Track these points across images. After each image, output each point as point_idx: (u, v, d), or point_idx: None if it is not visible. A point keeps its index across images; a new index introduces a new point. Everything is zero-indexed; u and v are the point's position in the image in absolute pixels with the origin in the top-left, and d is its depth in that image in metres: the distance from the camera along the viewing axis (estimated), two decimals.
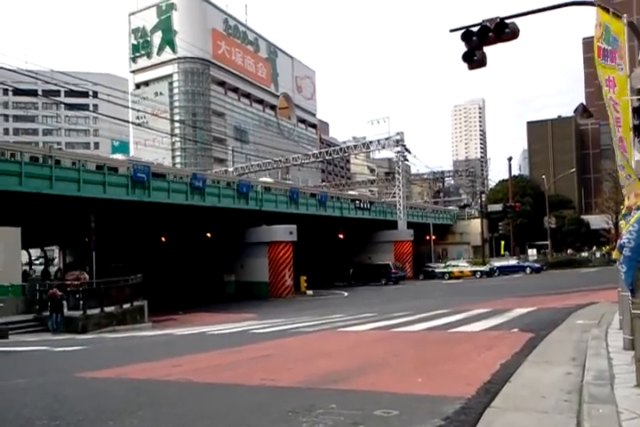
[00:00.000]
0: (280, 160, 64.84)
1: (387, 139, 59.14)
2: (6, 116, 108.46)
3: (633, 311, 5.11)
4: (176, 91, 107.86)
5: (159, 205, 33.13)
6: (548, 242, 60.41)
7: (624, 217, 7.89)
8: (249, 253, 39.96)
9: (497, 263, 49.23)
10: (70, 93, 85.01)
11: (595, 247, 65.21)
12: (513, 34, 10.46)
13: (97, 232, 28.59)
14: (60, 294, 21.38)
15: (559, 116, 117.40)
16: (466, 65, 11.01)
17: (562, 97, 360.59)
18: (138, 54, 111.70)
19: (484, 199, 64.22)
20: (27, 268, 44.16)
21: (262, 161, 66.81)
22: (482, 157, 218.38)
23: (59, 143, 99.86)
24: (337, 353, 9.52)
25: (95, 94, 77.71)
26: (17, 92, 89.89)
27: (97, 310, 21.82)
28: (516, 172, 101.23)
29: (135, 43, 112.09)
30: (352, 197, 53.43)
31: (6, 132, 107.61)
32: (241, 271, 40.95)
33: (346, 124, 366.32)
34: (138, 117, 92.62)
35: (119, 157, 39.81)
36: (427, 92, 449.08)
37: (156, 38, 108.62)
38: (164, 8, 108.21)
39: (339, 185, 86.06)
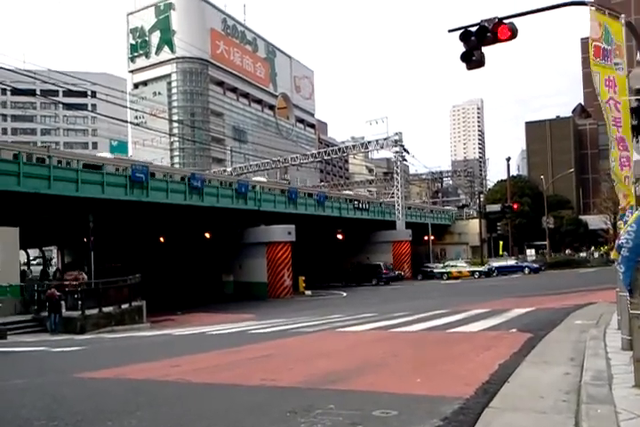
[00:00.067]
0: (278, 160, 64.81)
1: (385, 139, 59.16)
2: (4, 116, 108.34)
3: (631, 312, 5.12)
4: (174, 91, 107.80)
5: (157, 205, 33.11)
6: (546, 242, 60.46)
7: (622, 217, 7.91)
8: (247, 253, 39.94)
9: (495, 263, 49.26)
10: (68, 93, 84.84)
11: (593, 247, 65.29)
12: (511, 34, 10.46)
13: (95, 232, 28.57)
14: (58, 294, 21.36)
15: (557, 117, 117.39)
16: (464, 65, 11.02)
17: (560, 97, 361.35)
18: (136, 54, 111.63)
19: (482, 199, 64.25)
20: (25, 268, 44.08)
21: (261, 161, 66.78)
22: (480, 157, 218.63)
23: (57, 143, 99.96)
24: (336, 353, 9.52)
25: (93, 94, 77.52)
26: (15, 91, 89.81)
27: (95, 311, 21.80)
28: (514, 172, 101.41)
29: (133, 42, 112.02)
30: (347, 197, 53.39)
31: (4, 131, 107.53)
32: (239, 272, 40.93)
33: (344, 125, 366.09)
34: (136, 117, 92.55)
35: (106, 155, 39.33)
36: (425, 92, 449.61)
37: (155, 38, 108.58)
38: (163, 8, 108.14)
39: (337, 185, 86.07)
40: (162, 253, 44.87)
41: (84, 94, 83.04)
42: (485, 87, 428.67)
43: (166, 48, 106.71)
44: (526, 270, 46.32)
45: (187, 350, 11.62)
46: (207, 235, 42.43)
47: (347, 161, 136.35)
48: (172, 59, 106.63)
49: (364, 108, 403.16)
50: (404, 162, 60.99)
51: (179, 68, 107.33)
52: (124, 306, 23.34)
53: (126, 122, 78.10)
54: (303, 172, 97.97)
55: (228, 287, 41.45)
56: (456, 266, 49.26)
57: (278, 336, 13.23)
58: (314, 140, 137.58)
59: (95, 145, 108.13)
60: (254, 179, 49.11)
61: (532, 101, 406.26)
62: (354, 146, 65.09)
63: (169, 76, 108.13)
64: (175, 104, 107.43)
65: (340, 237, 52.91)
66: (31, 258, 54.53)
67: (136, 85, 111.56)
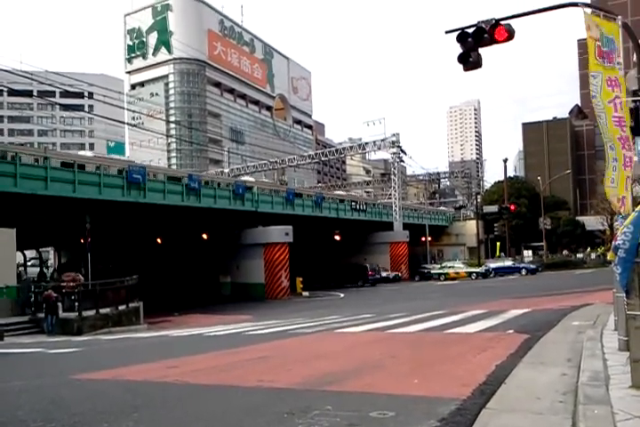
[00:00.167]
0: (276, 161, 64.86)
1: (382, 140, 59.23)
2: (1, 117, 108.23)
3: (628, 312, 5.13)
4: (172, 92, 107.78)
5: (155, 206, 33.07)
6: (543, 243, 60.51)
7: (618, 219, 7.93)
8: (245, 254, 39.92)
9: (492, 264, 49.27)
10: (65, 94, 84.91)
11: (589, 249, 65.33)
12: (508, 35, 10.48)
13: (92, 233, 28.52)
14: (55, 295, 21.33)
15: (554, 118, 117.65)
16: (461, 66, 11.03)
17: (557, 98, 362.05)
18: (133, 55, 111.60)
19: (479, 200, 64.33)
20: (20, 269, 44.00)
21: (258, 162, 66.82)
22: (477, 158, 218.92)
23: (54, 144, 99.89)
24: (333, 354, 9.53)
25: (90, 95, 77.44)
26: (12, 92, 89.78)
27: (92, 312, 21.74)
28: (511, 173, 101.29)
29: (131, 43, 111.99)
30: (339, 197, 53.30)
31: (1, 132, 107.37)
32: (237, 273, 40.91)
33: (342, 126, 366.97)
34: (133, 118, 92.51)
35: (87, 153, 38.97)
36: (422, 93, 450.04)
37: (152, 39, 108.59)
38: (160, 9, 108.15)
39: (334, 186, 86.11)
40: (159, 255, 44.81)
41: (80, 95, 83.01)
42: (482, 88, 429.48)
43: (163, 49, 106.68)
44: (523, 271, 46.34)
45: (184, 352, 11.61)
46: (204, 236, 42.41)
47: (344, 162, 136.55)
48: (170, 60, 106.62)
49: (362, 110, 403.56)
50: (402, 163, 61.10)
51: (176, 69, 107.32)
52: (122, 307, 23.29)
53: (123, 123, 78.06)
54: (300, 173, 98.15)
55: (226, 288, 41.42)
56: (453, 267, 49.27)
57: (276, 337, 13.23)
58: (311, 142, 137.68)
59: (92, 146, 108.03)
60: (243, 178, 49.15)
61: (529, 103, 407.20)
62: (351, 147, 65.19)
63: (166, 77, 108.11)
64: (172, 105, 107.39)
65: (337, 238, 52.92)
66: (27, 259, 54.44)
67: (133, 86, 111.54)
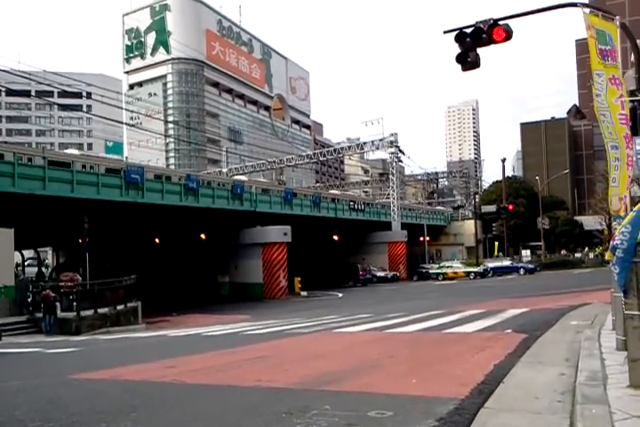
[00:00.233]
0: (274, 161, 64.85)
1: (381, 140, 59.23)
2: None
3: (625, 312, 5.14)
4: (170, 92, 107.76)
5: (153, 206, 33.06)
6: (541, 243, 60.57)
7: (616, 219, 7.94)
8: (243, 254, 39.91)
9: (491, 264, 49.29)
10: (63, 94, 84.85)
11: (587, 248, 65.40)
12: (506, 35, 10.49)
13: (90, 233, 28.49)
14: (53, 295, 21.31)
15: (552, 118, 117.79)
16: (459, 66, 11.04)
17: (555, 98, 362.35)
18: (131, 55, 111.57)
19: (477, 200, 64.34)
20: (19, 269, 43.92)
21: (256, 162, 66.81)
22: (475, 158, 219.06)
23: (52, 144, 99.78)
24: (331, 354, 9.52)
25: (89, 95, 77.46)
26: (10, 92, 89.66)
27: (90, 312, 21.73)
28: (509, 173, 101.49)
29: (129, 43, 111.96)
30: (334, 196, 53.21)
31: None
32: (235, 272, 40.90)
33: (340, 125, 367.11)
34: (131, 118, 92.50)
35: (74, 152, 38.64)
36: (420, 93, 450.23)
37: (150, 39, 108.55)
38: (158, 9, 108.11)
39: (333, 186, 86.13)
40: (157, 254, 44.79)
41: (79, 95, 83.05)
42: (481, 88, 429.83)
43: (162, 49, 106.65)
44: (521, 271, 46.38)
45: (182, 352, 11.61)
46: (203, 236, 42.39)
47: (342, 162, 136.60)
48: (168, 60, 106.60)
49: (360, 109, 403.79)
50: (400, 163, 61.14)
51: (174, 69, 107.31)
52: (120, 307, 23.28)
53: (121, 123, 78.04)
54: (299, 173, 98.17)
55: (224, 288, 41.40)
56: (451, 267, 49.29)
57: (274, 337, 13.22)
58: (309, 141, 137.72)
59: (90, 146, 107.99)
60: (236, 177, 49.13)
61: (528, 103, 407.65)
62: (349, 147, 65.17)
63: (164, 77, 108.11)
64: (170, 105, 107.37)
65: (335, 237, 52.92)
66: (25, 259, 54.38)
67: (131, 86, 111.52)
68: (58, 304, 21.49)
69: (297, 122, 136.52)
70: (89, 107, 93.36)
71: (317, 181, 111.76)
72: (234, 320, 22.26)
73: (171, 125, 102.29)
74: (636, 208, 5.24)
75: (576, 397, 4.80)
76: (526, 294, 24.37)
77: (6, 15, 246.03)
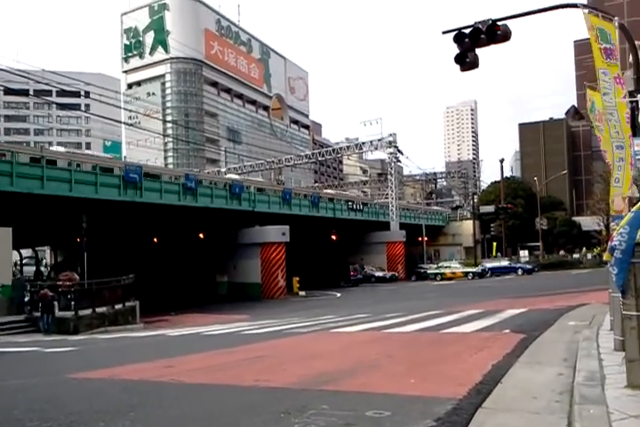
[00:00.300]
0: (273, 161, 64.84)
1: (379, 140, 59.23)
2: None
3: (623, 312, 5.14)
4: (168, 91, 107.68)
5: (151, 206, 33.04)
6: (539, 243, 60.63)
7: (615, 219, 7.95)
8: (242, 253, 39.89)
9: (489, 264, 49.31)
10: (62, 93, 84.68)
11: (585, 249, 65.46)
12: (505, 36, 10.52)
13: (89, 233, 28.47)
14: (51, 294, 21.28)
15: (551, 118, 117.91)
16: (458, 67, 11.06)
17: (554, 99, 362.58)
18: (130, 54, 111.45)
19: (476, 201, 64.39)
20: (17, 268, 43.90)
21: (255, 162, 66.79)
22: (474, 158, 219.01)
23: (50, 143, 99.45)
24: (329, 354, 9.53)
25: (87, 94, 77.39)
26: (8, 91, 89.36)
27: (88, 311, 21.71)
28: (507, 173, 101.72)
29: (127, 43, 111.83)
30: (329, 195, 53.15)
31: None
32: (233, 272, 40.88)
33: (338, 126, 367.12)
34: (130, 118, 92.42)
35: (59, 149, 38.26)
36: (419, 93, 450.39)
37: (149, 38, 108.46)
38: (157, 8, 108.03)
39: (331, 186, 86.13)
40: (156, 254, 44.75)
41: (77, 94, 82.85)
42: (479, 89, 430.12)
43: (160, 48, 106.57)
44: (520, 271, 46.40)
45: (180, 351, 11.61)
46: (201, 235, 42.37)
47: (341, 162, 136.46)
48: (166, 59, 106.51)
49: (359, 110, 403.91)
50: (398, 163, 61.15)
51: (173, 68, 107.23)
52: (118, 306, 23.25)
53: (120, 122, 77.94)
54: (297, 172, 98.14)
55: (222, 288, 41.36)
56: (450, 267, 49.29)
57: (272, 337, 13.22)
58: (308, 141, 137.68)
59: (88, 145, 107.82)
60: (228, 176, 49.05)
61: (526, 103, 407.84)
62: (348, 147, 65.16)
63: (163, 76, 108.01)
64: (169, 104, 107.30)
65: (334, 237, 52.91)
66: (22, 258, 54.34)
67: (130, 86, 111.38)
68: (56, 303, 21.45)
69: (296, 122, 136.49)
70: (87, 106, 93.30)
71: (316, 181, 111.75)
72: (232, 320, 22.26)
73: (169, 125, 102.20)
74: (634, 209, 5.25)
75: (574, 397, 4.81)
76: (524, 294, 24.39)
77: (5, 14, 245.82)
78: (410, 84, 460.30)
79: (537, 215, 60.65)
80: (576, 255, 62.38)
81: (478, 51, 10.87)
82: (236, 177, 47.00)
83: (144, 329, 22.40)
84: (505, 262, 49.94)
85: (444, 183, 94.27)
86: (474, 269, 47.53)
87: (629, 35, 9.60)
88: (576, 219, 78.30)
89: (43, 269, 54.81)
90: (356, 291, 41.35)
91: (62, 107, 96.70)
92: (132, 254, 43.84)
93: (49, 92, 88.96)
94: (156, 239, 44.65)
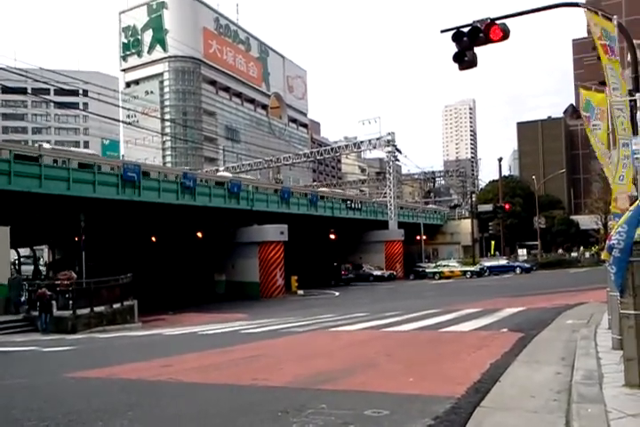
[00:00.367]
0: (271, 160, 64.77)
1: (378, 139, 59.21)
2: None
3: (621, 311, 5.15)
4: (167, 89, 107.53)
5: (149, 205, 33.00)
6: (537, 242, 60.70)
7: (615, 217, 7.94)
8: (240, 252, 39.86)
9: (487, 263, 49.36)
10: (60, 92, 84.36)
11: (583, 248, 65.54)
12: (503, 35, 10.50)
13: (87, 231, 28.44)
14: (49, 293, 21.24)
15: (549, 117, 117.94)
16: (457, 65, 11.04)
17: (552, 97, 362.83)
18: (128, 53, 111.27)
19: (474, 199, 64.40)
20: (13, 267, 43.75)
21: (253, 160, 66.73)
22: (472, 157, 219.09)
23: (48, 142, 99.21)
24: (328, 353, 9.53)
25: (85, 93, 77.15)
26: (6, 89, 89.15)
27: (86, 310, 21.68)
28: (506, 172, 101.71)
29: (126, 41, 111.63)
30: (321, 193, 52.97)
31: None
32: (232, 271, 40.85)
33: (337, 124, 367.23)
34: (128, 116, 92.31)
35: (46, 145, 37.90)
36: (418, 92, 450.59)
37: (147, 37, 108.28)
38: (155, 6, 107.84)
39: (330, 185, 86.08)
40: (154, 253, 44.71)
41: (75, 93, 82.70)
42: (477, 87, 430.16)
43: (159, 47, 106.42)
44: (518, 270, 46.47)
45: (178, 350, 11.60)
46: (199, 234, 42.33)
47: (339, 161, 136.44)
48: (165, 58, 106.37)
49: (357, 108, 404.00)
50: (397, 162, 61.08)
51: (171, 66, 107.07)
52: (116, 306, 23.23)
53: (118, 121, 77.85)
54: (296, 171, 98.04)
55: (221, 287, 41.34)
56: (448, 266, 49.33)
57: (270, 336, 13.22)
58: (306, 140, 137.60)
59: (87, 144, 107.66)
60: (219, 173, 48.96)
61: (524, 102, 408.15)
62: (346, 146, 65.10)
63: (161, 74, 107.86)
64: (167, 103, 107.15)
65: (332, 236, 52.89)
66: (19, 256, 54.23)
67: (128, 84, 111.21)
68: (54, 303, 21.41)
69: (294, 120, 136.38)
70: (85, 104, 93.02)
71: (315, 180, 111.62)
72: (230, 319, 22.26)
73: (167, 123, 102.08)
74: (631, 207, 5.25)
75: (572, 396, 4.81)
76: (522, 293, 24.43)
77: (2, 12, 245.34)
78: (408, 83, 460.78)
79: (535, 214, 60.70)
80: (574, 254, 62.50)
81: (477, 49, 10.86)
82: (229, 175, 46.97)
83: (142, 328, 22.39)
84: (503, 261, 50.02)
85: (443, 182, 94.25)
86: (472, 268, 47.57)
87: (628, 34, 9.59)
88: (574, 218, 78.39)
89: (41, 268, 54.69)
90: (355, 290, 41.37)
91: (60, 105, 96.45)
92: (131, 253, 43.80)
93: (47, 91, 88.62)
94: (154, 238, 44.61)
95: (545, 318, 12.02)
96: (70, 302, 21.73)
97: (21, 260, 54.26)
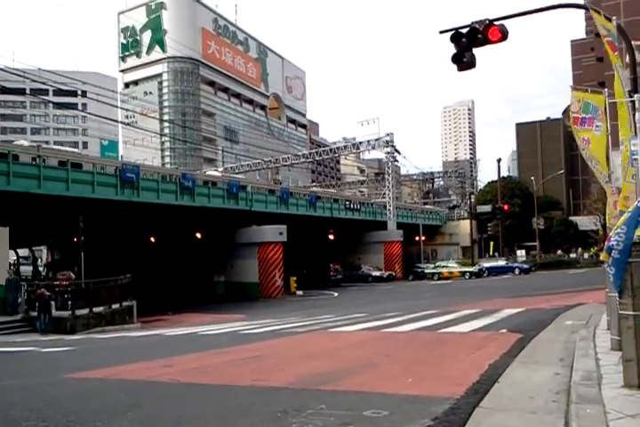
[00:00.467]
0: (270, 160, 64.74)
1: (376, 139, 59.21)
2: None
3: (620, 312, 5.15)
4: (165, 90, 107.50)
5: (148, 205, 32.98)
6: (536, 243, 60.71)
7: (619, 214, 7.95)
8: (239, 253, 39.85)
9: (486, 264, 49.37)
10: (59, 92, 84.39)
11: (582, 249, 65.59)
12: (502, 36, 10.51)
13: (86, 232, 28.40)
14: (48, 294, 21.21)
15: (548, 118, 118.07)
16: (455, 66, 11.05)
17: (551, 98, 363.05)
18: (127, 53, 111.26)
19: (473, 200, 64.44)
20: (11, 268, 43.68)
21: (252, 161, 66.71)
22: (471, 158, 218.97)
23: (47, 142, 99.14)
24: (327, 354, 9.53)
25: (84, 93, 77.26)
26: (4, 90, 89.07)
27: (85, 311, 21.65)
28: (504, 173, 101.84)
29: (124, 42, 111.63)
30: (314, 193, 52.84)
31: None
32: (231, 272, 40.83)
33: (336, 125, 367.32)
34: (127, 117, 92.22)
35: (23, 143, 37.09)
36: (416, 93, 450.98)
37: (146, 37, 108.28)
38: (154, 7, 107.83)
39: (329, 186, 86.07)
40: (153, 254, 44.68)
41: (74, 93, 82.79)
42: (476, 88, 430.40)
43: (157, 48, 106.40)
44: (516, 271, 46.48)
45: (177, 351, 11.59)
46: (198, 235, 42.30)
47: (338, 162, 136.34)
48: (163, 58, 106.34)
49: (356, 109, 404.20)
50: (396, 162, 61.09)
51: (170, 67, 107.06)
52: (115, 306, 23.20)
53: (117, 121, 77.86)
54: (295, 172, 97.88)
55: (220, 288, 41.32)
56: (447, 266, 49.35)
57: (269, 337, 13.22)
58: (305, 141, 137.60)
59: (85, 144, 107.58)
60: (208, 172, 48.95)
61: (523, 103, 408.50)
62: (345, 146, 65.12)
63: (160, 75, 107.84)
64: (166, 104, 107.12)
65: (331, 237, 52.88)
66: (18, 257, 54.20)
67: (127, 85, 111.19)
68: (53, 303, 21.38)
69: (293, 121, 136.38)
70: (84, 105, 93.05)
71: (313, 181, 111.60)
72: (229, 320, 22.26)
73: (166, 124, 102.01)
74: (630, 209, 5.26)
75: (571, 396, 4.82)
76: (521, 293, 24.44)
77: (1, 13, 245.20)
78: (407, 84, 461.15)
79: (534, 215, 60.71)
80: (573, 255, 62.54)
81: (475, 50, 10.87)
82: (218, 174, 46.96)
83: (141, 329, 22.37)
84: (502, 262, 50.03)
85: (442, 183, 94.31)
86: (471, 269, 47.58)
87: (626, 35, 9.61)
88: (573, 219, 78.43)
89: (40, 268, 54.66)
90: (354, 290, 41.37)
91: (59, 106, 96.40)
92: (130, 254, 43.75)
93: (46, 91, 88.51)
94: (153, 239, 44.59)
95: (544, 319, 12.02)
96: (69, 302, 21.70)
97: (20, 260, 54.27)
